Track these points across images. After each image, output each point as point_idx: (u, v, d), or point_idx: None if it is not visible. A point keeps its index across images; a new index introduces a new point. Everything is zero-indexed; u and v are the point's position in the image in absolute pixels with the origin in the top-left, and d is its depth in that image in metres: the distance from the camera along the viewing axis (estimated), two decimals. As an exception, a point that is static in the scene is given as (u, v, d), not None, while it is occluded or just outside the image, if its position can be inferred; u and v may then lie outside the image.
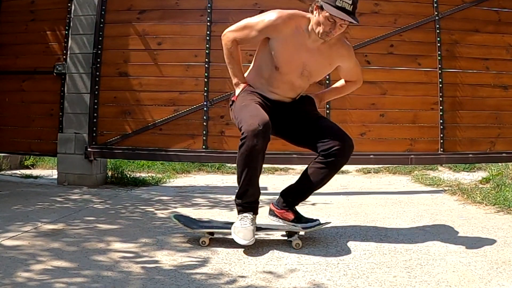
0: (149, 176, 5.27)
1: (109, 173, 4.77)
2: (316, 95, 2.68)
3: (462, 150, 4.42)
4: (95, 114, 4.45)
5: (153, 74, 4.47)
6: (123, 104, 4.47)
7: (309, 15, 2.39)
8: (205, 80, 4.41)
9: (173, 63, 4.47)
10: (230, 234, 2.31)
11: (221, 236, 2.51)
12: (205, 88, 4.41)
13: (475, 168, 5.76)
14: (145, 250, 2.31)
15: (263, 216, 2.91)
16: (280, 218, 2.49)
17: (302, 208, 3.47)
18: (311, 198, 3.88)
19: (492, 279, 1.90)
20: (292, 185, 2.57)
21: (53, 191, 4.01)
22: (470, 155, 4.43)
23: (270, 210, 2.56)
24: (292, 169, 5.76)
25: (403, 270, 2.04)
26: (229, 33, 2.48)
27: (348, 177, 5.61)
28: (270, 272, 2.02)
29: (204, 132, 4.41)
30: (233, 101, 2.49)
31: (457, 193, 3.96)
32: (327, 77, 4.32)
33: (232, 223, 2.36)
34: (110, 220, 2.97)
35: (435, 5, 4.42)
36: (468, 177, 5.07)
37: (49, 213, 3.09)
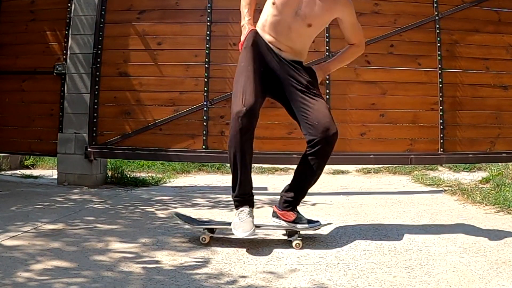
0: (149, 176, 5.27)
1: (109, 173, 4.77)
2: (318, 66, 2.65)
3: (462, 150, 4.42)
4: (95, 114, 4.45)
5: (153, 74, 4.47)
6: (123, 104, 4.47)
7: None
8: (205, 80, 4.41)
9: (173, 63, 4.47)
10: (230, 230, 2.33)
11: (221, 235, 2.52)
12: (205, 88, 4.41)
13: (475, 168, 5.76)
14: (145, 250, 2.31)
15: (263, 216, 2.91)
16: (281, 219, 2.49)
17: (303, 208, 3.47)
18: (311, 198, 3.89)
19: (492, 279, 1.90)
20: (289, 183, 2.57)
21: (53, 191, 4.01)
22: (470, 155, 4.43)
23: (273, 212, 2.55)
24: (292, 169, 5.72)
25: (403, 270, 2.04)
26: None
27: (348, 177, 5.61)
28: (270, 272, 2.03)
29: (204, 132, 4.41)
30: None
31: (457, 193, 3.96)
32: (328, 77, 4.32)
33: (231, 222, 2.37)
34: (110, 220, 2.97)
35: (435, 5, 4.42)
36: (468, 177, 5.07)
37: (49, 213, 3.09)
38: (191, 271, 2.02)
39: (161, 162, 5.82)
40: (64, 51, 4.55)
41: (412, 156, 4.37)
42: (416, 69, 4.43)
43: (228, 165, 5.87)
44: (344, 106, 4.39)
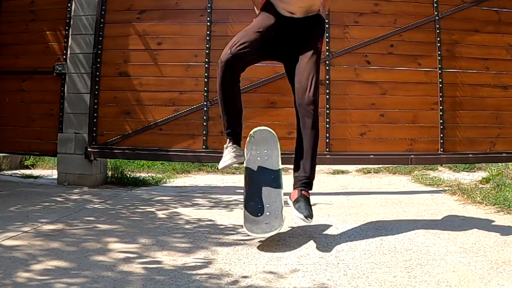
0: (149, 176, 5.27)
1: (109, 173, 4.77)
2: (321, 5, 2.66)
3: (462, 150, 4.42)
4: (95, 114, 4.45)
5: (153, 74, 4.47)
6: (123, 104, 4.47)
7: None
8: (205, 80, 4.41)
9: (173, 63, 4.47)
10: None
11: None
12: (205, 88, 4.41)
13: (475, 168, 5.76)
14: (145, 250, 2.31)
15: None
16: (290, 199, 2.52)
17: (302, 208, 3.47)
18: (312, 198, 3.89)
19: (492, 279, 1.90)
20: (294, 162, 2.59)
21: (53, 191, 4.01)
22: (470, 155, 4.43)
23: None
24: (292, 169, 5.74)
25: (403, 270, 2.04)
26: None
27: (348, 177, 5.61)
28: (271, 272, 2.03)
29: (204, 132, 4.41)
30: None
31: (457, 193, 3.96)
32: (327, 77, 4.33)
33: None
34: (110, 220, 2.97)
35: (435, 5, 4.42)
36: (468, 177, 5.07)
37: (49, 213, 3.08)
38: (191, 271, 2.02)
39: (161, 162, 5.82)
40: (64, 51, 4.55)
41: (412, 156, 4.37)
42: (416, 69, 4.43)
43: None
44: (344, 106, 4.39)
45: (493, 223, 2.90)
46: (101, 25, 4.48)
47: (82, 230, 2.67)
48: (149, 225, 2.87)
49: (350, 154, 4.37)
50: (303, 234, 2.68)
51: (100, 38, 4.48)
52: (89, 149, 4.41)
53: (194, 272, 2.01)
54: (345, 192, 4.37)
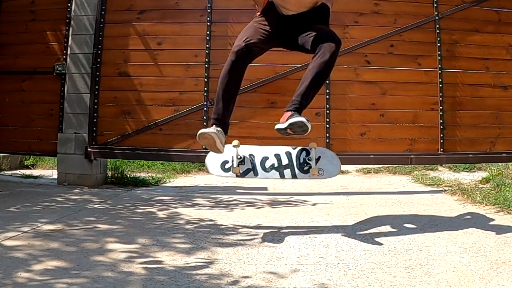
0: (149, 176, 5.27)
1: (109, 173, 4.77)
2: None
3: (462, 150, 4.42)
4: (95, 114, 4.45)
5: (153, 74, 4.47)
6: (123, 104, 4.47)
7: None
8: (205, 80, 4.41)
9: (173, 63, 4.47)
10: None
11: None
12: (205, 88, 4.41)
13: (475, 168, 5.76)
14: (145, 250, 2.31)
15: (263, 216, 2.90)
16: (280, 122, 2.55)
17: (303, 208, 3.48)
18: (311, 198, 3.90)
19: (492, 279, 1.90)
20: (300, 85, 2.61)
21: (53, 191, 4.01)
22: (470, 155, 4.43)
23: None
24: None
25: (403, 270, 2.04)
26: None
27: (348, 177, 5.61)
28: (271, 272, 2.03)
29: (204, 132, 4.40)
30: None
31: (457, 193, 3.96)
32: (327, 82, 4.32)
33: None
34: (110, 220, 2.97)
35: (435, 5, 4.42)
36: (468, 177, 5.07)
37: (49, 213, 3.09)
38: (191, 272, 2.02)
39: (161, 162, 5.81)
40: (64, 51, 4.56)
41: (412, 156, 4.37)
42: (416, 69, 4.44)
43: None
44: (344, 106, 4.39)
45: (493, 223, 2.90)
46: (101, 25, 4.49)
47: (82, 230, 2.67)
48: (149, 225, 2.87)
49: (350, 154, 4.37)
50: (303, 234, 2.68)
51: (100, 38, 4.48)
52: (89, 149, 4.41)
53: (194, 272, 2.01)
54: (345, 192, 4.38)
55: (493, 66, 4.44)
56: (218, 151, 2.55)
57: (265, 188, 4.64)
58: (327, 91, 4.35)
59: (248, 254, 2.29)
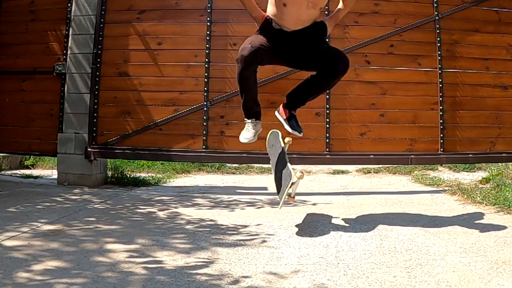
0: (149, 176, 5.27)
1: (109, 173, 4.77)
2: (329, 19, 2.92)
3: (462, 150, 4.42)
4: (95, 114, 4.45)
5: (153, 74, 4.47)
6: (123, 104, 4.47)
7: None
8: (205, 80, 4.41)
9: (173, 63, 4.47)
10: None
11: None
12: (205, 88, 4.40)
13: (475, 168, 5.76)
14: (145, 250, 2.31)
15: (263, 216, 2.90)
16: (279, 113, 2.93)
17: (303, 208, 3.48)
18: (311, 198, 3.90)
19: (492, 279, 1.90)
20: (295, 88, 2.91)
21: (53, 191, 4.01)
22: (470, 155, 4.43)
23: (278, 108, 2.97)
24: (292, 168, 5.74)
25: (403, 270, 2.04)
26: None
27: (348, 177, 5.61)
28: (271, 272, 2.03)
29: (204, 132, 4.41)
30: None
31: (457, 193, 3.96)
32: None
33: None
34: (110, 220, 2.97)
35: (435, 5, 4.42)
36: (468, 177, 5.07)
37: (49, 213, 3.09)
38: (191, 272, 2.02)
39: (161, 162, 5.81)
40: (64, 51, 4.55)
41: (412, 156, 4.37)
42: (416, 69, 4.43)
43: (228, 165, 5.95)
44: (344, 106, 4.39)
45: (493, 223, 2.90)
46: (101, 25, 4.48)
47: (82, 230, 2.67)
48: (149, 225, 2.87)
49: (350, 154, 4.37)
50: (303, 234, 2.69)
51: (100, 38, 4.48)
52: (89, 149, 4.41)
53: (194, 272, 2.02)
54: (345, 192, 4.38)
55: (493, 66, 4.44)
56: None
57: (265, 188, 4.65)
58: (327, 91, 4.34)
59: (248, 254, 2.29)
